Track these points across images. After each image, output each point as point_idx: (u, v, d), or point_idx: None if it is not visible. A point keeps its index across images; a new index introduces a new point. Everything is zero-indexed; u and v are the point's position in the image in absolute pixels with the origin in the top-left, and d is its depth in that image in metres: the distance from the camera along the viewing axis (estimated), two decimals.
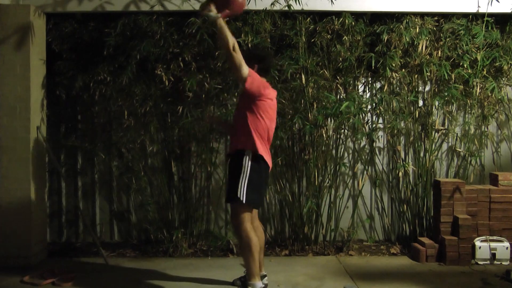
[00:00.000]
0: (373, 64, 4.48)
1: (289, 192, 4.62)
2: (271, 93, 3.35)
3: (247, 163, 3.23)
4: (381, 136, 4.85)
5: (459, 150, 4.82)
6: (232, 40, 3.10)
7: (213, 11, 3.10)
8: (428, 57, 4.58)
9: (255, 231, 3.33)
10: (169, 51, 4.44)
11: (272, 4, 4.31)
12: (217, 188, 4.81)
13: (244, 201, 3.19)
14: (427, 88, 4.78)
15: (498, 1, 4.36)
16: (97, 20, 4.52)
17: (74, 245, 4.75)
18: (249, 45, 4.35)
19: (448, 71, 4.47)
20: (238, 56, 3.10)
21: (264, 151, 3.29)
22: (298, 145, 4.65)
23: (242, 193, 3.19)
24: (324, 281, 3.74)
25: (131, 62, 4.35)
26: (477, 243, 4.18)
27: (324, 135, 4.58)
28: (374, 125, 4.79)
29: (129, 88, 4.45)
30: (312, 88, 4.49)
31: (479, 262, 4.15)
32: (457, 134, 4.84)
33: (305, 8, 4.34)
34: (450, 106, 4.79)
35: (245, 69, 3.14)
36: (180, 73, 4.49)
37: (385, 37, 4.47)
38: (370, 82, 4.79)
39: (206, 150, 4.65)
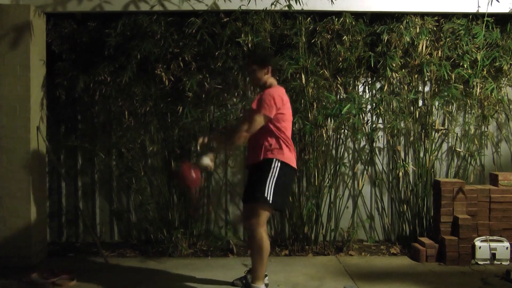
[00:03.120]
0: (372, 63, 4.48)
1: None
2: (285, 98, 3.34)
3: (276, 166, 3.24)
4: (381, 136, 4.85)
5: (459, 150, 4.82)
6: (238, 138, 3.21)
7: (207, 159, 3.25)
8: (428, 57, 4.57)
9: None
10: (169, 51, 4.44)
11: (273, 4, 4.31)
12: (217, 188, 4.81)
13: (270, 202, 3.18)
14: (427, 88, 4.78)
15: (498, 1, 4.35)
16: (96, 20, 4.52)
17: (74, 245, 4.75)
18: (249, 45, 4.35)
19: (448, 71, 4.47)
20: (253, 125, 3.20)
21: (291, 156, 3.31)
22: (298, 145, 4.65)
23: (269, 193, 3.18)
24: (324, 281, 3.74)
25: (131, 62, 4.35)
26: (477, 243, 4.18)
27: (324, 135, 4.59)
28: (374, 125, 4.79)
29: (129, 88, 4.45)
30: (312, 88, 4.48)
31: (479, 262, 4.15)
32: (457, 134, 4.84)
33: (305, 8, 4.33)
34: (450, 106, 4.79)
35: (261, 117, 3.19)
36: (180, 73, 4.49)
37: (385, 37, 4.47)
38: (370, 82, 4.79)
39: (206, 150, 4.64)
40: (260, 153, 3.28)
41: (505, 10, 4.40)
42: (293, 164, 3.33)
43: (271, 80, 3.40)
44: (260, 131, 3.26)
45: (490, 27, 4.48)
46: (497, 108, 4.78)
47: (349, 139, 4.81)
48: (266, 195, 3.18)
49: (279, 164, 3.24)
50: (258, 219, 3.22)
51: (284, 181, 3.27)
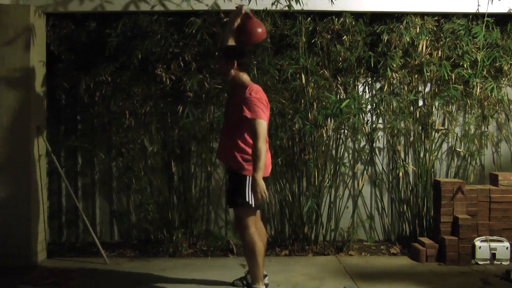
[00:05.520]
0: (372, 63, 4.47)
1: (289, 192, 4.62)
2: (266, 100, 3.27)
3: (250, 179, 3.19)
4: (381, 136, 4.85)
5: (459, 150, 4.82)
6: (261, 154, 3.06)
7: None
8: (428, 57, 4.57)
9: (258, 232, 3.32)
10: (169, 51, 4.44)
11: (273, 4, 4.31)
12: (217, 188, 4.81)
13: (253, 205, 3.19)
14: (427, 88, 4.78)
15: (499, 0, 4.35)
16: (96, 20, 4.51)
17: (74, 245, 4.75)
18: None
19: (448, 71, 4.47)
20: (262, 133, 3.09)
21: (266, 168, 3.24)
22: (298, 145, 4.65)
23: (250, 197, 3.17)
24: (324, 281, 3.74)
25: (132, 61, 4.34)
26: (477, 243, 4.18)
27: (324, 135, 4.58)
28: (374, 125, 4.79)
29: (129, 88, 4.45)
30: (312, 88, 4.48)
31: (479, 262, 4.15)
32: (457, 134, 4.84)
33: (305, 8, 4.33)
34: (450, 106, 4.79)
35: (261, 121, 3.10)
36: (180, 73, 4.49)
37: (385, 37, 4.46)
38: (370, 82, 4.79)
39: (206, 150, 4.65)
40: (234, 159, 3.23)
41: (505, 10, 4.40)
42: (266, 172, 3.24)
43: (244, 77, 3.30)
44: (234, 131, 3.19)
45: (490, 27, 4.48)
46: (497, 108, 4.78)
47: (349, 139, 4.80)
48: (247, 199, 3.18)
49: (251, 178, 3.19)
50: (245, 222, 3.23)
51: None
